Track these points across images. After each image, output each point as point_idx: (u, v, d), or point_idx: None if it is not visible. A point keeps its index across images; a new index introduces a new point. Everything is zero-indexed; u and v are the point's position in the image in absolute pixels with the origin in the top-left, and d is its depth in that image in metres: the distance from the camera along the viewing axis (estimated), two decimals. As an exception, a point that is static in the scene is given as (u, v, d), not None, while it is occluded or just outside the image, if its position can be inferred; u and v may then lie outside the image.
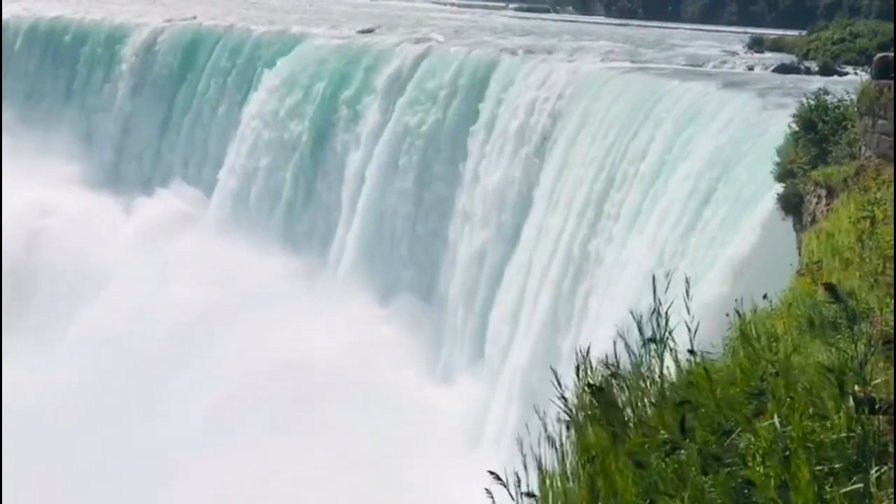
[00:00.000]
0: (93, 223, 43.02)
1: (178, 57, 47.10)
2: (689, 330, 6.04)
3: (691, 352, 6.09)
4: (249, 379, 29.58)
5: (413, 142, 36.85)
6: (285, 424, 28.01)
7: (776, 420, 5.12)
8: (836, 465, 4.86)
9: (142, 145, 47.09)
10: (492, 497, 5.64)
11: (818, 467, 4.85)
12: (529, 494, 5.64)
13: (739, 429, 5.20)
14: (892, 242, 7.62)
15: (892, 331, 5.74)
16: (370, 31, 45.98)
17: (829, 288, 6.60)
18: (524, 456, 5.74)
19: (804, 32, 54.20)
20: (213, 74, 45.46)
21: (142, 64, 47.65)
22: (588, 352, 6.13)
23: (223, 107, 44.28)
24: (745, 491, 4.96)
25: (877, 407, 5.14)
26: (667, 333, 6.04)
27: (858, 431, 5.01)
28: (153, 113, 46.98)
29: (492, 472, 5.60)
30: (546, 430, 5.89)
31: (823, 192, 17.05)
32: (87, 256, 40.54)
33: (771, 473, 4.91)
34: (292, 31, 46.32)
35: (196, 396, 29.34)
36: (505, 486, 5.57)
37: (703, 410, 5.55)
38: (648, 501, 5.23)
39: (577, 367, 6.11)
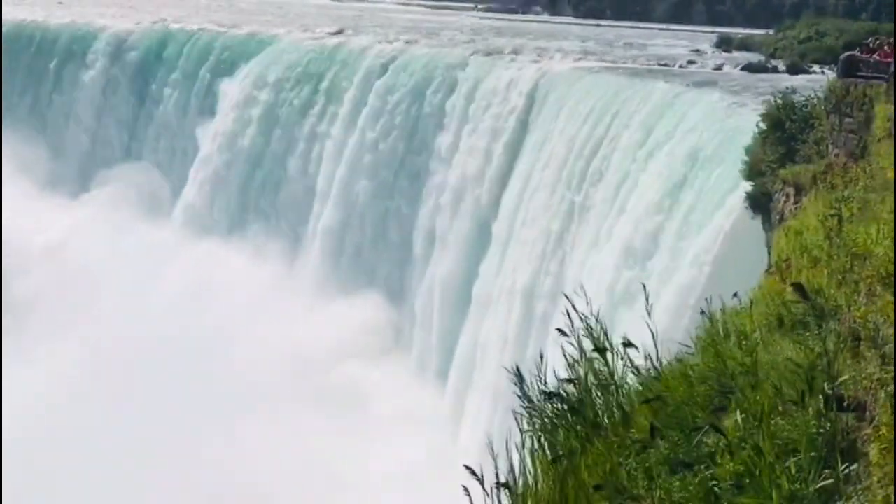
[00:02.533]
0: (48, 216, 42.93)
1: (147, 58, 46.80)
2: (653, 334, 6.05)
3: (648, 361, 6.09)
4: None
5: (383, 142, 36.89)
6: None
7: (739, 417, 5.12)
8: (805, 462, 4.86)
9: (111, 145, 46.89)
10: (468, 494, 5.63)
11: (786, 464, 4.86)
12: (504, 485, 5.62)
13: (707, 427, 5.20)
14: (859, 241, 7.66)
15: (860, 328, 5.77)
16: (340, 32, 45.96)
17: (797, 287, 6.63)
18: (495, 457, 5.72)
19: (771, 31, 54.62)
20: (183, 77, 45.22)
21: (111, 66, 47.35)
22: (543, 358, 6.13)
23: (193, 109, 44.08)
24: (715, 489, 4.96)
25: (845, 404, 5.16)
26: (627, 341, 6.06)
27: (827, 428, 5.02)
28: (123, 113, 46.79)
29: (467, 467, 5.59)
30: (520, 431, 5.89)
31: (791, 191, 17.14)
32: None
33: (740, 471, 4.91)
34: (262, 32, 46.16)
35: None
36: (480, 482, 5.56)
37: (670, 409, 5.54)
38: (618, 502, 5.22)
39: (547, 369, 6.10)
